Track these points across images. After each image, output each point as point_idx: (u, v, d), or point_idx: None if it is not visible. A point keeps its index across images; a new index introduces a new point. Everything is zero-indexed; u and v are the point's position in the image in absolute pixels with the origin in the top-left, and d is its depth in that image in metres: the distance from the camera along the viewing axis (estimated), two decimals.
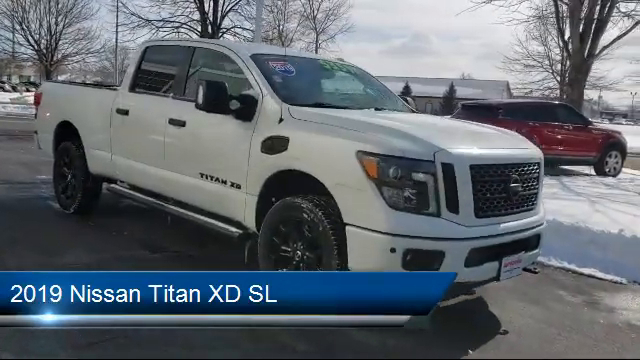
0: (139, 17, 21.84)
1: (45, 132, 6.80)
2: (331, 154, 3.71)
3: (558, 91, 35.34)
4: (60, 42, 33.32)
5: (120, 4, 23.87)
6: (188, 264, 4.90)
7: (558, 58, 36.53)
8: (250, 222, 4.22)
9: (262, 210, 4.11)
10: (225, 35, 22.25)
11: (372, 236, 3.44)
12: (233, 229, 4.38)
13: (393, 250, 3.38)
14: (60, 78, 34.70)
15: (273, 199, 4.04)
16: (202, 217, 4.69)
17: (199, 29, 21.26)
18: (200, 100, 4.20)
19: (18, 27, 32.17)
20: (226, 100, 4.22)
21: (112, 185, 5.85)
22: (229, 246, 4.48)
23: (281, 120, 4.04)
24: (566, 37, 17.28)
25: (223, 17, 21.58)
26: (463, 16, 74.56)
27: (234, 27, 22.72)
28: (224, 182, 4.40)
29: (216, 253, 5.13)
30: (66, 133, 6.43)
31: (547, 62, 38.11)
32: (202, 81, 4.21)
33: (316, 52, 42.03)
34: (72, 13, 33.33)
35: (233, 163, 4.30)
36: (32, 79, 78.02)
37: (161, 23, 21.83)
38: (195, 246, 5.35)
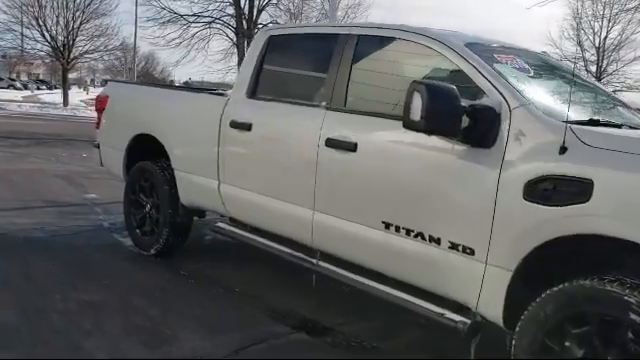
0: (171, 11, 20.30)
1: (112, 147, 5.28)
2: None
3: None
4: (77, 39, 31.80)
5: None
6: None
7: (593, 59, 34.97)
8: (491, 310, 2.69)
9: (517, 294, 2.59)
10: None
11: None
12: (450, 314, 2.86)
13: None
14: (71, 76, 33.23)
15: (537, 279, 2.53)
16: (383, 287, 3.17)
17: (234, 25, 19.72)
18: (416, 115, 2.66)
19: (34, 23, 30.66)
20: (459, 114, 2.69)
21: (220, 224, 4.33)
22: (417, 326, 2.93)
23: (564, 149, 2.48)
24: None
25: (260, 11, 20.02)
26: (477, 18, 72.94)
27: (273, 22, 21.08)
28: (436, 241, 2.87)
29: (397, 334, 3.59)
30: (144, 149, 4.93)
31: (582, 63, 36.51)
32: (419, 85, 2.67)
33: None
34: (90, 8, 31.85)
35: (459, 213, 2.76)
36: (41, 77, 76.98)
37: (193, 18, 20.33)
38: (359, 318, 3.79)
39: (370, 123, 3.22)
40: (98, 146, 5.55)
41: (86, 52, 32.40)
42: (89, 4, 31.30)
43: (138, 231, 4.95)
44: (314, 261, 3.55)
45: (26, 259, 4.48)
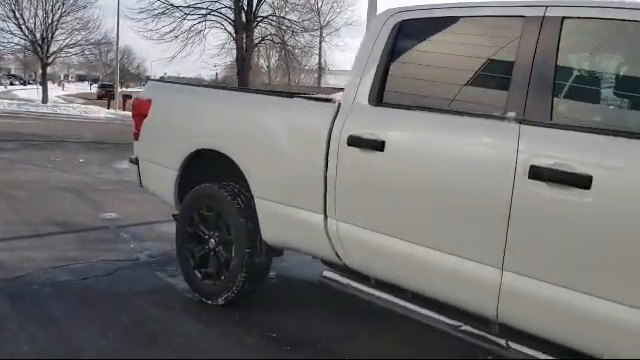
0: (165, 2, 18.83)
1: (159, 164, 4.17)
2: None
3: None
4: (57, 32, 30.20)
5: None
6: None
7: None
8: None
9: None
10: (260, 25, 19.44)
11: None
12: None
13: None
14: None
15: None
16: None
17: (232, 17, 18.40)
18: None
19: (11, 15, 29.01)
20: None
21: (329, 274, 3.26)
22: None
23: None
24: None
25: (260, 2, 18.64)
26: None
27: (273, 15, 19.84)
28: None
29: None
30: (204, 169, 3.84)
31: None
32: None
33: (320, 47, 39.19)
34: (70, 0, 30.27)
35: None
36: (13, 72, 74.36)
37: (188, 10, 18.94)
38: None
39: (607, 146, 2.19)
40: (137, 161, 4.43)
41: (66, 46, 30.83)
42: None
43: (198, 273, 3.85)
44: (501, 342, 2.49)
45: (60, 323, 3.36)
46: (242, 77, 18.53)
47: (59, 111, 25.83)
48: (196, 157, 3.88)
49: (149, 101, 4.27)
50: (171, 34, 18.69)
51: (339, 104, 3.13)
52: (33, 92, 41.66)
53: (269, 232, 3.46)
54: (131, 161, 4.53)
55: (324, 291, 3.40)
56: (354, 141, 2.94)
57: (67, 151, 11.75)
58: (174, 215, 4.28)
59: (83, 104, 29.77)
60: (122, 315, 3.50)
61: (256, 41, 19.01)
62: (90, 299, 3.74)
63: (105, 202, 6.78)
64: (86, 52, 32.60)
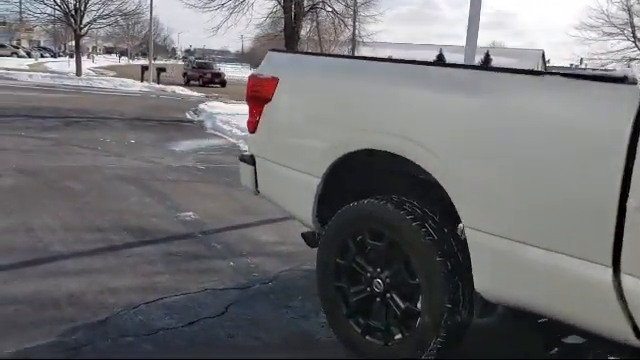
0: None
1: (289, 166, 3.03)
2: None
3: None
4: (90, 2, 29.06)
5: None
6: None
7: None
8: None
9: None
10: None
11: None
12: None
13: None
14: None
15: None
16: None
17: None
18: None
19: None
20: None
21: None
22: None
23: None
24: None
25: None
26: None
27: (322, 1, 18.17)
28: None
29: None
30: (361, 176, 2.70)
31: (629, 29, 33.49)
32: None
33: (354, 17, 37.55)
34: None
35: None
36: (42, 44, 73.79)
37: None
38: None
39: None
40: (252, 160, 3.28)
41: (99, 17, 29.73)
42: None
43: (354, 325, 2.72)
44: None
45: None
46: (290, 49, 17.21)
47: (94, 84, 24.89)
48: (349, 160, 2.72)
49: (274, 80, 3.10)
50: (217, 1, 17.39)
51: None
52: (64, 64, 40.90)
53: (489, 282, 2.30)
54: (243, 160, 3.39)
55: None
56: None
57: (113, 130, 10.73)
58: (304, 234, 3.17)
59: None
60: None
61: (306, 9, 17.59)
62: None
63: (176, 197, 5.69)
64: (121, 22, 31.43)
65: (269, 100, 3.12)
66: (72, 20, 28.24)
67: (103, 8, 28.99)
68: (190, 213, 5.10)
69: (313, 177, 2.88)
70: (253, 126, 3.25)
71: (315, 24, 22.70)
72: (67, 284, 3.34)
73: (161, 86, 26.18)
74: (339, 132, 2.78)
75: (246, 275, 3.73)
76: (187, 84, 31.63)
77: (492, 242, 2.23)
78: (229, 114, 14.44)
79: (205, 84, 31.94)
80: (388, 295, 2.62)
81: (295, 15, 16.55)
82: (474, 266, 2.31)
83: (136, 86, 25.46)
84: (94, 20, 29.47)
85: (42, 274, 3.48)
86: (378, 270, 2.65)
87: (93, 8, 28.63)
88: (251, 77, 3.29)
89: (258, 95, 3.19)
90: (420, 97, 2.48)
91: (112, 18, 30.01)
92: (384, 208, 2.57)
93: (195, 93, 23.91)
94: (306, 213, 2.98)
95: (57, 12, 28.73)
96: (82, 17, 28.34)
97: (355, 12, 34.98)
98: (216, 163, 7.89)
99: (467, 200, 2.30)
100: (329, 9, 18.39)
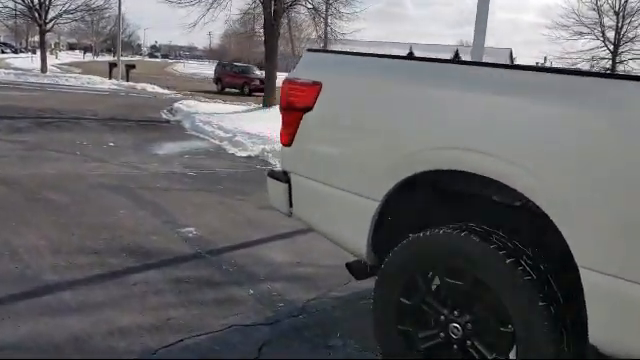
0: None
1: (336, 186, 2.58)
2: None
3: (610, 62, 31.81)
4: None
5: None
6: None
7: (612, 24, 32.57)
8: None
9: None
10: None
11: None
12: None
13: None
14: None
15: None
16: None
17: None
18: None
19: None
20: None
21: None
22: None
23: None
24: None
25: None
26: None
27: None
28: None
29: None
30: (429, 201, 2.29)
31: (599, 29, 33.92)
32: None
33: (326, 14, 37.23)
34: None
35: None
36: (2, 39, 71.27)
37: None
38: None
39: None
40: (286, 178, 2.83)
41: (65, 12, 28.63)
42: None
43: None
44: None
45: None
46: (270, 46, 16.68)
47: (60, 82, 23.89)
48: (415, 180, 2.30)
49: (316, 85, 2.65)
50: None
51: None
52: (27, 61, 39.46)
53: (609, 333, 1.89)
54: (273, 176, 2.93)
55: None
56: None
57: (88, 131, 10.10)
58: (349, 264, 2.74)
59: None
60: None
61: (286, 5, 17.04)
62: None
63: (171, 209, 5.18)
64: (87, 18, 30.35)
65: (310, 108, 2.67)
66: (37, 15, 27.10)
67: (69, 3, 27.95)
68: (191, 229, 4.61)
69: (370, 200, 2.44)
70: (288, 138, 2.79)
71: (287, 21, 22.22)
72: (68, 323, 2.84)
73: (130, 83, 25.30)
74: (404, 148, 2.34)
75: (270, 306, 3.28)
76: (221, 92, 26.69)
77: (609, 285, 1.83)
78: (207, 113, 13.89)
79: (252, 92, 26.00)
80: (469, 343, 2.20)
81: (275, 12, 16.02)
82: (590, 315, 1.90)
83: (105, 84, 24.54)
84: (60, 15, 28.38)
85: (36, 311, 2.96)
86: (455, 314, 2.23)
87: (59, 3, 27.55)
88: (286, 82, 2.83)
89: (294, 103, 2.74)
90: (530, 111, 2.06)
91: (79, 13, 28.86)
92: (466, 240, 2.15)
93: (166, 91, 23.14)
94: (357, 241, 2.54)
95: (19, 6, 27.49)
96: (47, 12, 27.24)
97: (327, 9, 34.59)
98: (206, 169, 7.38)
99: (581, 236, 1.89)
100: (310, 6, 17.89)
